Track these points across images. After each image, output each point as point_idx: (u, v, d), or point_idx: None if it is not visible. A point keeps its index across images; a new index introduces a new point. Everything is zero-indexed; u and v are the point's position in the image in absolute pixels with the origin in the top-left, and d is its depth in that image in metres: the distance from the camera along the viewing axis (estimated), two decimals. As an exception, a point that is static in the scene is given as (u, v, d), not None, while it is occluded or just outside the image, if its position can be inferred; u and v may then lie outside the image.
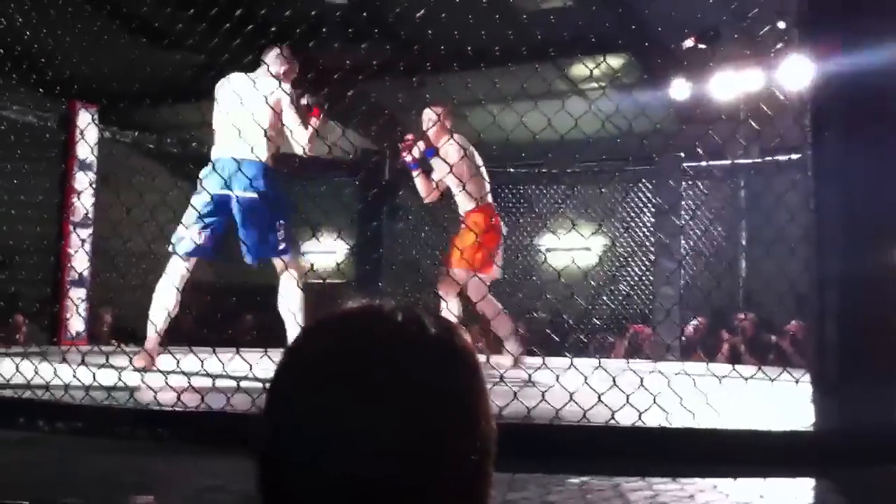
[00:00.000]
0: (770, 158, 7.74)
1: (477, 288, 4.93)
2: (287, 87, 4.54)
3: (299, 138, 4.50)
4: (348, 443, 0.81)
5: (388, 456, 0.81)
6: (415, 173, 5.49)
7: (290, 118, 4.49)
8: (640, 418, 2.65)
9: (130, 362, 4.12)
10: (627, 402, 2.69)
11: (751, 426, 2.70)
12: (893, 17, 2.72)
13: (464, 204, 5.32)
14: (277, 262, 4.58)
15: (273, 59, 4.61)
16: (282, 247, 4.49)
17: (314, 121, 4.61)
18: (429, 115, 5.34)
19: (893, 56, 2.65)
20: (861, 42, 2.69)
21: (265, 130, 4.37)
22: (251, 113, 4.31)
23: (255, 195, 4.35)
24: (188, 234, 4.46)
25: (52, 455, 2.79)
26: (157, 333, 4.43)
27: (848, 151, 2.75)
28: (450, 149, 4.88)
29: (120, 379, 3.45)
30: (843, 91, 2.74)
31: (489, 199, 5.37)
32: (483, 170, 5.40)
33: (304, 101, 4.65)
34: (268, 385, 0.90)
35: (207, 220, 4.44)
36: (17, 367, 3.66)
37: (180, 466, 2.62)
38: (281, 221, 4.47)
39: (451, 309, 5.27)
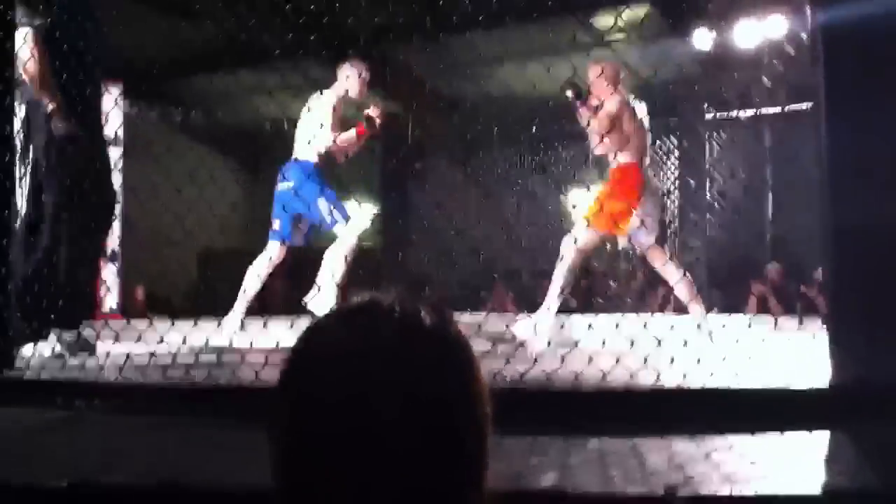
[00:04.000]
0: (793, 106, 7.66)
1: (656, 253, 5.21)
2: (333, 98, 5.45)
3: (320, 142, 5.34)
4: (354, 439, 0.87)
5: (393, 449, 0.88)
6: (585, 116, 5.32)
7: (325, 124, 5.36)
8: (658, 379, 2.71)
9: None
10: (645, 363, 2.74)
11: (768, 384, 2.73)
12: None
13: (617, 157, 5.22)
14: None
15: (339, 74, 5.54)
16: (328, 221, 5.26)
17: (352, 133, 5.46)
18: (594, 70, 5.35)
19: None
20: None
21: (314, 134, 5.31)
22: (306, 123, 5.40)
23: (290, 186, 5.31)
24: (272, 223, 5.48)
25: (91, 434, 2.86)
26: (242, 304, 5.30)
27: (860, 99, 2.74)
28: (609, 103, 5.11)
29: (153, 355, 3.54)
30: (854, 38, 2.72)
31: (640, 157, 5.20)
32: (644, 126, 5.30)
33: (368, 111, 5.49)
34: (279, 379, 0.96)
35: (276, 210, 5.44)
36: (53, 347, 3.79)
37: (213, 443, 2.69)
38: (320, 202, 5.24)
39: (564, 262, 5.13)
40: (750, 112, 8.33)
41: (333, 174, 5.55)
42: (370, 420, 0.87)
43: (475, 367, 0.97)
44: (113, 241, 7.28)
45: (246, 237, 10.63)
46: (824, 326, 2.85)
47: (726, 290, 8.19)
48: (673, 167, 9.34)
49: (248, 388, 2.95)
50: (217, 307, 5.55)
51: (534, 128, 9.05)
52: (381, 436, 0.87)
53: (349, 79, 5.51)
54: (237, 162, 10.75)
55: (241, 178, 10.85)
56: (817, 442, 2.45)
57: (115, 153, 7.43)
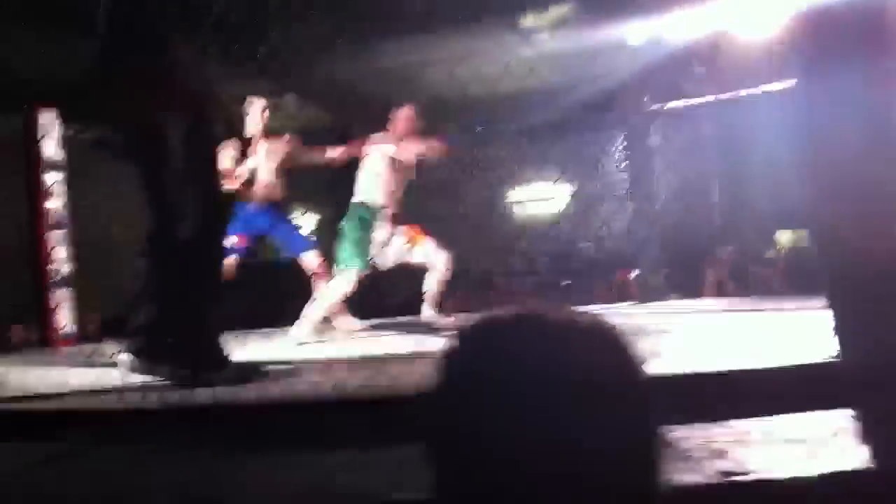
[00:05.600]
0: (737, 93, 7.77)
1: None
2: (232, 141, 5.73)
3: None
4: (534, 441, 0.83)
5: (576, 452, 0.83)
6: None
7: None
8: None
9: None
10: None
11: (775, 363, 2.75)
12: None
13: None
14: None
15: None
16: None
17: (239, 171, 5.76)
18: (400, 113, 5.67)
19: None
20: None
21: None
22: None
23: None
24: None
25: (89, 469, 2.59)
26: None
27: (838, 74, 2.74)
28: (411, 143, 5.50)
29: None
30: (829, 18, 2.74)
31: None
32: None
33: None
34: (434, 385, 0.90)
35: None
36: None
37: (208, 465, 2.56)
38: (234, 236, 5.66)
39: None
40: (692, 101, 8.40)
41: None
42: (559, 421, 0.83)
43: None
44: (61, 265, 7.04)
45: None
46: (826, 303, 2.86)
47: (682, 275, 8.25)
48: (619, 159, 9.40)
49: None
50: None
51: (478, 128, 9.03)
52: (576, 437, 0.83)
53: (249, 117, 5.72)
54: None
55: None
56: (839, 418, 2.47)
57: (57, 176, 7.21)
